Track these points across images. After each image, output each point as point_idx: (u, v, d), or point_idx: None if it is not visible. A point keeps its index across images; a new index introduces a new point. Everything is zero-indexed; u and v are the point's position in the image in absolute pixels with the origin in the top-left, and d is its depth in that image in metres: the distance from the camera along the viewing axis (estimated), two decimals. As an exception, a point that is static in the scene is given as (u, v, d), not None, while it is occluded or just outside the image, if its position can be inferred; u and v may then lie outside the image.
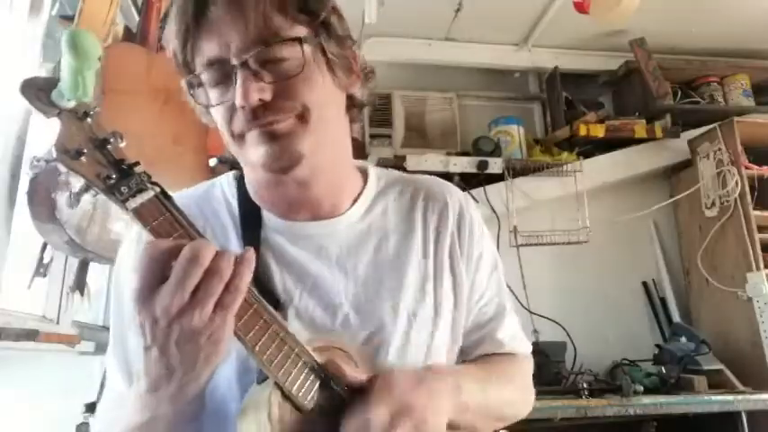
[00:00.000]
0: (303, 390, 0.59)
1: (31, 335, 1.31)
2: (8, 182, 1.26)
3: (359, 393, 0.62)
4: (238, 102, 0.63)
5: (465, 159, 2.59)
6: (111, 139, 0.56)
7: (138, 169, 0.55)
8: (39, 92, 0.54)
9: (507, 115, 2.86)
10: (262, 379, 0.60)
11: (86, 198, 0.55)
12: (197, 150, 1.62)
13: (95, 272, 1.84)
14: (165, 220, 0.55)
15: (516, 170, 2.62)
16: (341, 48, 0.71)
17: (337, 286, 0.73)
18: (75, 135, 0.54)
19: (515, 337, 0.86)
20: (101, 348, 1.79)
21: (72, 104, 0.54)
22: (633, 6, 2.22)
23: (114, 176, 0.54)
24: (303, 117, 0.67)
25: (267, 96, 0.64)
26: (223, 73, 0.65)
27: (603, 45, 3.00)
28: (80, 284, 1.62)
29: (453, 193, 0.85)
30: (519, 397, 0.84)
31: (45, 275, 1.50)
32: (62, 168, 0.53)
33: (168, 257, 0.52)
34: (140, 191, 0.55)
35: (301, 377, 0.59)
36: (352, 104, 0.76)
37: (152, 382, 0.56)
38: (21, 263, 1.43)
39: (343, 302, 0.72)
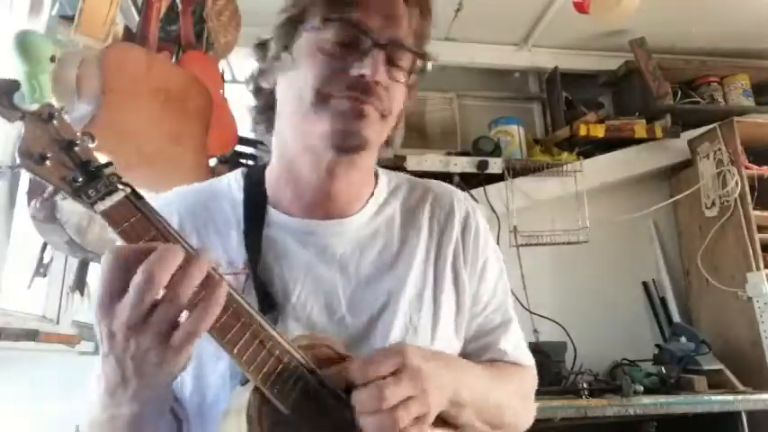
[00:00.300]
0: (285, 391, 0.58)
1: (31, 335, 1.31)
2: (8, 182, 1.26)
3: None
4: (365, 70, 0.67)
5: (465, 159, 2.59)
6: (79, 141, 0.54)
7: (107, 170, 0.54)
8: (0, 95, 0.52)
9: (507, 115, 2.86)
10: (244, 381, 0.59)
11: (57, 200, 0.54)
12: (197, 150, 1.62)
13: (95, 272, 1.84)
14: (136, 221, 0.53)
15: (516, 170, 2.62)
16: (414, 84, 0.79)
17: (337, 286, 0.73)
18: (40, 138, 0.52)
19: (519, 347, 0.85)
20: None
21: (34, 107, 0.52)
22: (633, 6, 2.22)
23: (81, 179, 0.53)
24: (384, 116, 0.72)
25: (384, 82, 0.69)
26: (356, 40, 0.69)
27: (603, 45, 3.00)
28: (80, 284, 1.62)
29: (460, 200, 0.86)
30: (519, 405, 0.81)
31: (45, 275, 1.50)
32: (26, 173, 0.52)
33: (133, 264, 0.49)
34: (110, 192, 0.53)
35: (282, 378, 0.58)
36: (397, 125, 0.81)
37: (109, 386, 0.55)
38: (21, 263, 1.43)
39: (341, 303, 0.72)
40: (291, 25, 0.72)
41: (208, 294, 0.51)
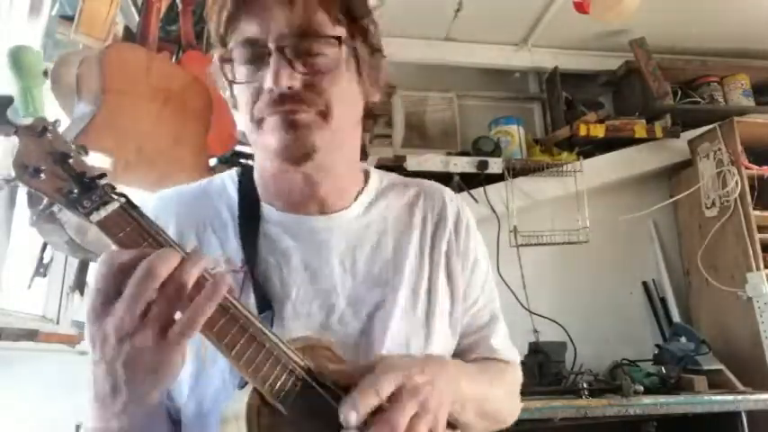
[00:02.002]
0: (283, 393, 0.58)
1: (31, 335, 1.31)
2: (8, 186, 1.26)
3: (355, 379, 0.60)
4: (268, 84, 0.64)
5: (465, 159, 2.59)
6: (73, 153, 0.55)
7: (101, 181, 0.55)
8: None
9: (507, 115, 2.86)
10: (242, 384, 0.59)
11: (54, 210, 0.55)
12: (197, 150, 1.62)
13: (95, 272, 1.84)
14: (132, 230, 0.54)
15: (516, 170, 2.62)
16: (372, 56, 0.73)
17: (335, 281, 0.73)
18: (34, 151, 0.53)
19: (506, 344, 0.87)
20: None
21: (28, 121, 0.54)
22: (633, 6, 2.22)
23: (76, 190, 0.54)
24: (324, 114, 0.67)
25: (297, 85, 0.65)
26: (256, 54, 0.66)
27: (603, 45, 3.00)
28: (80, 284, 1.62)
29: (452, 197, 0.87)
30: (508, 402, 0.84)
31: (45, 275, 1.50)
32: (22, 186, 0.52)
33: (127, 270, 0.50)
34: (105, 203, 0.54)
35: (281, 380, 0.58)
36: (367, 114, 0.77)
37: (98, 397, 0.54)
38: (21, 263, 1.43)
39: (339, 298, 0.72)
40: (222, 69, 0.71)
41: (207, 290, 0.51)
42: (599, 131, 2.72)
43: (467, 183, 2.55)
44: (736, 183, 2.50)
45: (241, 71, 0.68)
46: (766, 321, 2.34)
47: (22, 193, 1.27)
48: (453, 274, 0.80)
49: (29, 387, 1.41)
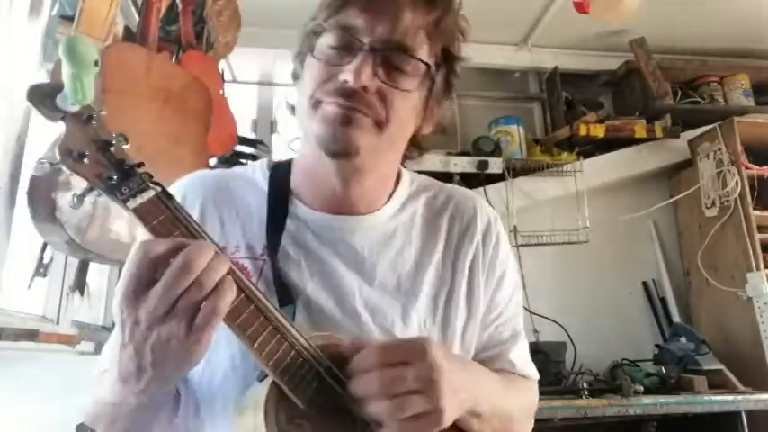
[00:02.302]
0: (301, 386, 0.59)
1: (31, 335, 1.31)
2: (8, 182, 1.26)
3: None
4: (347, 76, 0.65)
5: (465, 159, 2.59)
6: (114, 141, 0.57)
7: (140, 170, 0.57)
8: (44, 98, 0.55)
9: (507, 115, 2.86)
10: (262, 377, 0.60)
11: (87, 198, 0.56)
12: (197, 150, 1.62)
13: (95, 272, 1.84)
14: (165, 218, 0.56)
15: (516, 170, 2.62)
16: (444, 93, 0.76)
17: (351, 284, 0.73)
18: (79, 138, 0.56)
19: (525, 361, 0.86)
20: (101, 348, 1.79)
21: (76, 108, 0.56)
22: (633, 6, 2.22)
23: (115, 177, 0.56)
24: (380, 124, 0.69)
25: (371, 87, 0.66)
26: (349, 43, 0.68)
27: (603, 45, 3.00)
28: (80, 284, 1.62)
29: (484, 208, 0.85)
30: (524, 419, 0.81)
31: (45, 275, 1.50)
32: (65, 170, 0.55)
33: (162, 259, 0.52)
34: (141, 191, 0.56)
35: (300, 375, 0.59)
36: (414, 143, 0.79)
37: (121, 375, 0.56)
38: (21, 263, 1.43)
39: (355, 301, 0.72)
40: (307, 36, 0.72)
41: (227, 279, 0.54)
42: (599, 131, 2.72)
43: (467, 183, 2.54)
44: (736, 183, 2.51)
45: (323, 49, 0.70)
46: (766, 321, 2.35)
47: (22, 192, 1.27)
48: (474, 287, 0.79)
49: (28, 387, 1.41)
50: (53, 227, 1.25)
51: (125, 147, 0.58)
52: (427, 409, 0.57)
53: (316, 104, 0.69)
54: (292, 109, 0.79)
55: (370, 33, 0.67)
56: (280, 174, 0.80)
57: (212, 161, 1.93)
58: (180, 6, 1.86)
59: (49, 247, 1.44)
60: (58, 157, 0.54)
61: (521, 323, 0.87)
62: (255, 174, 0.81)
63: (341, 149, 0.68)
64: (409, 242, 0.78)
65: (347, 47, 0.68)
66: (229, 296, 0.53)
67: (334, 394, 0.61)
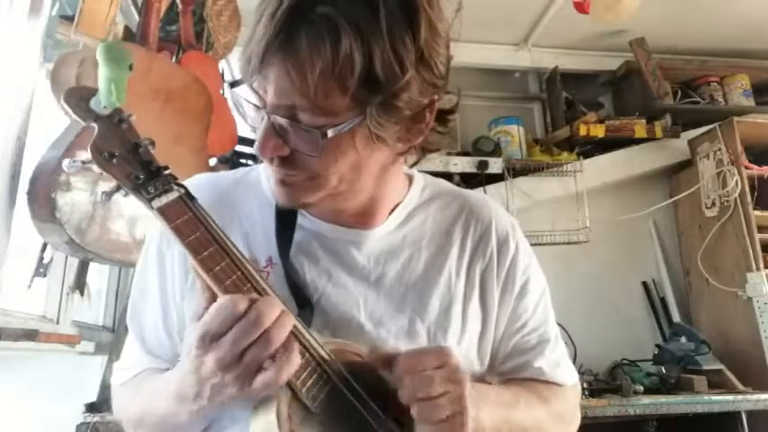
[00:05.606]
0: (314, 389, 0.59)
1: (31, 335, 1.31)
2: (8, 182, 1.26)
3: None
4: (256, 149, 0.63)
5: (465, 159, 2.59)
6: (142, 144, 0.61)
7: (166, 172, 0.60)
8: (80, 100, 0.60)
9: (507, 115, 2.86)
10: None
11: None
12: (197, 150, 1.62)
13: (95, 272, 1.84)
14: (188, 219, 0.59)
15: (516, 170, 2.63)
16: (395, 115, 0.60)
17: (356, 296, 0.72)
18: (110, 139, 0.59)
19: (558, 365, 0.82)
20: (101, 348, 1.79)
21: (108, 111, 0.60)
22: (633, 6, 2.23)
23: (142, 177, 0.59)
24: (314, 178, 0.64)
25: (284, 153, 0.62)
26: (259, 104, 0.64)
27: (603, 45, 3.00)
28: (80, 284, 1.62)
29: (501, 217, 0.82)
30: (553, 427, 0.78)
31: (45, 275, 1.50)
32: (96, 169, 0.58)
33: (241, 315, 0.53)
34: (166, 191, 0.59)
35: (313, 377, 0.60)
36: (408, 150, 0.69)
37: (179, 395, 0.60)
38: (21, 263, 1.43)
39: (360, 312, 0.71)
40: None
41: (288, 347, 0.55)
42: (599, 131, 2.72)
43: (467, 183, 2.55)
44: (736, 183, 2.51)
45: (247, 107, 0.65)
46: (766, 321, 2.35)
47: (22, 192, 1.27)
48: (488, 298, 0.77)
49: (29, 387, 1.41)
50: (53, 227, 1.25)
51: (151, 149, 0.61)
52: (454, 411, 0.60)
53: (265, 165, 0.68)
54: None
55: (267, 96, 0.60)
56: None
57: (212, 161, 1.93)
58: (180, 6, 1.86)
59: (49, 247, 1.44)
60: (90, 156, 0.57)
61: (551, 330, 0.84)
62: (260, 180, 0.78)
63: (291, 206, 0.69)
64: (419, 252, 0.76)
65: (259, 107, 0.62)
66: (293, 367, 0.55)
67: (346, 400, 0.61)
